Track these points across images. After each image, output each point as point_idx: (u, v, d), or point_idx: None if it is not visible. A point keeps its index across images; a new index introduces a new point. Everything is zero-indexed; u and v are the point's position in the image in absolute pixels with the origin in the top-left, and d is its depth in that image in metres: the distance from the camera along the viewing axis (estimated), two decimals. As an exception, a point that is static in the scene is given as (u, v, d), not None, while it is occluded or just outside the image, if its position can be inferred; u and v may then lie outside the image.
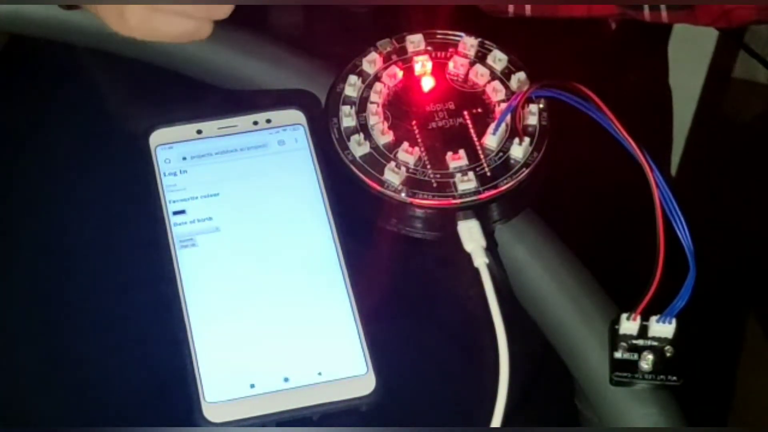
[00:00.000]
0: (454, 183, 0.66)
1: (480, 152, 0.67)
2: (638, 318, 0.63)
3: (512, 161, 0.67)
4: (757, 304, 0.97)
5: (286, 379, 0.61)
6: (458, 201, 0.65)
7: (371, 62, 0.70)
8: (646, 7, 0.75)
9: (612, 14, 0.77)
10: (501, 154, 0.67)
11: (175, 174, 0.67)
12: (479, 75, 0.70)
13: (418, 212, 0.66)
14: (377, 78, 0.69)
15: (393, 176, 0.66)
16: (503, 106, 0.68)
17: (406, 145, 0.67)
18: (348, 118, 0.68)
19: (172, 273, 0.64)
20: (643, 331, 0.63)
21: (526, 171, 0.66)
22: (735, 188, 1.02)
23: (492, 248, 0.67)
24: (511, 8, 0.78)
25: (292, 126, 0.69)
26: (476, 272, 0.65)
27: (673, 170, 1.06)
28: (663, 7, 0.73)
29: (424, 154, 0.67)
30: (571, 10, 0.77)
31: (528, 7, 0.78)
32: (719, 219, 0.92)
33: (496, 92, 0.69)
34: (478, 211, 0.66)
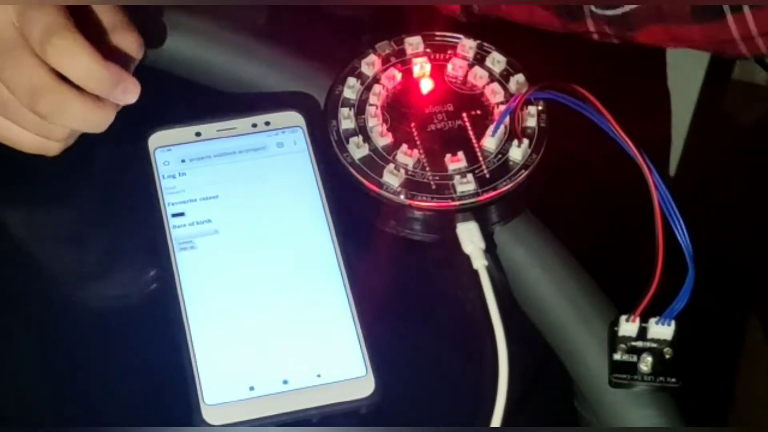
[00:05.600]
0: (453, 185, 0.66)
1: (479, 154, 0.67)
2: (637, 320, 0.63)
3: (511, 163, 0.67)
4: (757, 306, 0.97)
5: (285, 382, 0.61)
6: (457, 203, 0.66)
7: (370, 64, 0.70)
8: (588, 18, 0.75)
9: (553, 26, 0.76)
10: (500, 156, 0.67)
11: (174, 176, 0.67)
12: (478, 77, 0.70)
13: (417, 214, 0.66)
14: (376, 80, 0.69)
15: (392, 178, 0.66)
16: (502, 108, 0.68)
17: (405, 147, 0.67)
18: (347, 120, 0.68)
19: (171, 275, 0.64)
20: (642, 333, 0.63)
21: (524, 173, 0.66)
22: (734, 190, 1.02)
23: (491, 250, 0.67)
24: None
25: (290, 128, 0.69)
26: (475, 274, 0.65)
27: (672, 171, 1.06)
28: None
29: (423, 156, 0.67)
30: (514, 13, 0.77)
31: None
32: (718, 220, 0.92)
33: (494, 94, 0.69)
34: (477, 212, 0.66)
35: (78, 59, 0.63)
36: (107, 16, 0.67)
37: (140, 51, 0.68)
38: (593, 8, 0.73)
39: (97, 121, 0.65)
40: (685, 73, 1.11)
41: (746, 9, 0.68)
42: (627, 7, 0.71)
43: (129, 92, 0.65)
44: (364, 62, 0.70)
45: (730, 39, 0.70)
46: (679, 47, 0.75)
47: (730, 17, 0.68)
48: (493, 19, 0.77)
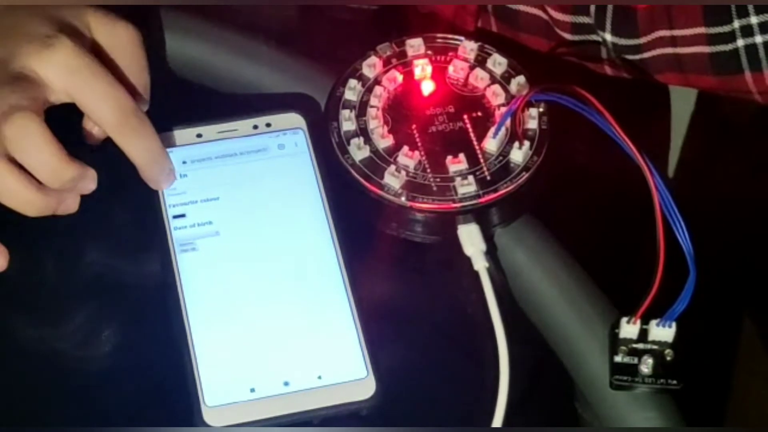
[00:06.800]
0: (454, 187, 0.66)
1: (480, 156, 0.67)
2: (638, 322, 0.63)
3: (512, 165, 0.67)
4: (757, 307, 0.97)
5: (286, 383, 0.61)
6: (458, 205, 0.66)
7: (371, 66, 0.70)
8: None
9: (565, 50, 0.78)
10: (501, 158, 0.67)
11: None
12: (479, 79, 0.70)
13: (418, 216, 0.66)
14: (377, 82, 0.69)
15: (393, 180, 0.66)
16: (503, 109, 0.68)
17: (406, 149, 0.67)
18: (348, 122, 0.68)
19: (172, 277, 0.64)
20: (643, 335, 0.63)
21: (526, 175, 0.66)
22: (734, 191, 1.02)
23: (492, 252, 0.67)
24: (478, 23, 0.79)
25: (292, 130, 0.69)
26: (476, 276, 0.65)
27: (671, 172, 1.06)
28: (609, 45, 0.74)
29: (424, 157, 0.67)
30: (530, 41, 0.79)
31: (493, 24, 0.79)
32: (719, 222, 0.92)
33: (495, 96, 0.69)
34: (478, 214, 0.66)
35: (36, 145, 0.61)
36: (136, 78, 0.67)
37: (146, 105, 0.67)
38: (611, 51, 0.74)
39: (38, 207, 0.63)
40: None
41: (766, 68, 0.68)
42: (646, 54, 0.72)
43: (87, 188, 0.65)
44: (365, 64, 0.70)
45: (746, 90, 0.70)
46: (691, 88, 0.77)
47: (748, 73, 0.69)
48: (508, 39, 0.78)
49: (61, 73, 0.63)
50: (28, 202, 0.62)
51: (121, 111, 0.63)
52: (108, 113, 0.63)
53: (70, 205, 0.65)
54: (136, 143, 0.64)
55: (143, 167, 0.65)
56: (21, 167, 0.62)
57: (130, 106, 0.63)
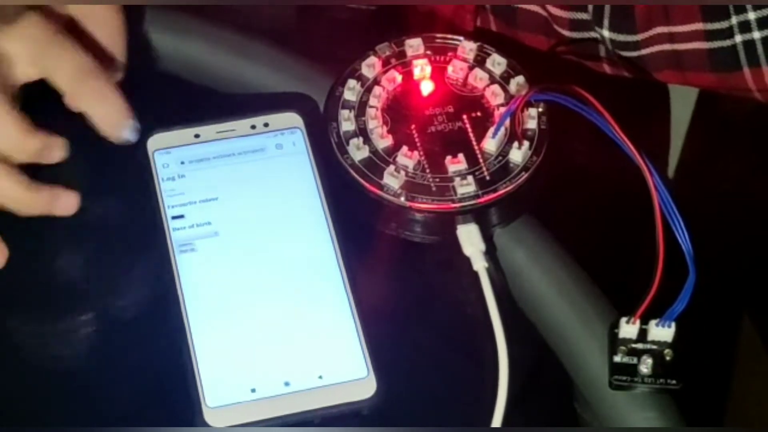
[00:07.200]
0: (454, 187, 0.66)
1: (479, 156, 0.67)
2: (638, 322, 0.63)
3: (511, 165, 0.67)
4: (757, 307, 0.97)
5: (286, 384, 0.61)
6: (457, 205, 0.66)
7: (370, 66, 0.70)
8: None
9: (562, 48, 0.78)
10: (500, 158, 0.67)
11: (173, 179, 0.67)
12: (478, 79, 0.70)
13: (418, 216, 0.66)
14: (376, 82, 0.69)
15: (392, 180, 0.66)
16: (502, 109, 0.68)
17: (405, 149, 0.67)
18: (347, 122, 0.68)
19: (171, 278, 0.64)
20: (642, 335, 0.63)
21: (525, 175, 0.66)
22: (734, 190, 1.02)
23: (491, 252, 0.67)
24: (477, 22, 0.79)
25: (290, 130, 0.69)
26: (475, 276, 0.65)
27: (671, 172, 1.06)
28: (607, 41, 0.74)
29: (423, 158, 0.67)
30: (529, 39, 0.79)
31: (492, 22, 0.79)
32: (718, 221, 0.92)
33: (495, 96, 0.69)
34: (478, 215, 0.66)
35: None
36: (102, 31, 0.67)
37: (122, 70, 0.67)
38: (610, 48, 0.74)
39: (28, 205, 0.64)
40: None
41: (764, 65, 0.68)
42: (644, 50, 0.72)
43: (55, 157, 0.64)
44: (364, 64, 0.70)
45: (745, 87, 0.70)
46: (691, 86, 0.77)
47: (746, 70, 0.69)
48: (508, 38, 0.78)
49: (25, 44, 0.63)
50: (17, 200, 0.63)
51: (78, 73, 0.63)
52: (64, 76, 0.63)
53: (65, 205, 0.65)
54: (94, 106, 0.64)
55: (104, 131, 0.65)
56: (10, 166, 0.62)
57: (89, 68, 0.63)
